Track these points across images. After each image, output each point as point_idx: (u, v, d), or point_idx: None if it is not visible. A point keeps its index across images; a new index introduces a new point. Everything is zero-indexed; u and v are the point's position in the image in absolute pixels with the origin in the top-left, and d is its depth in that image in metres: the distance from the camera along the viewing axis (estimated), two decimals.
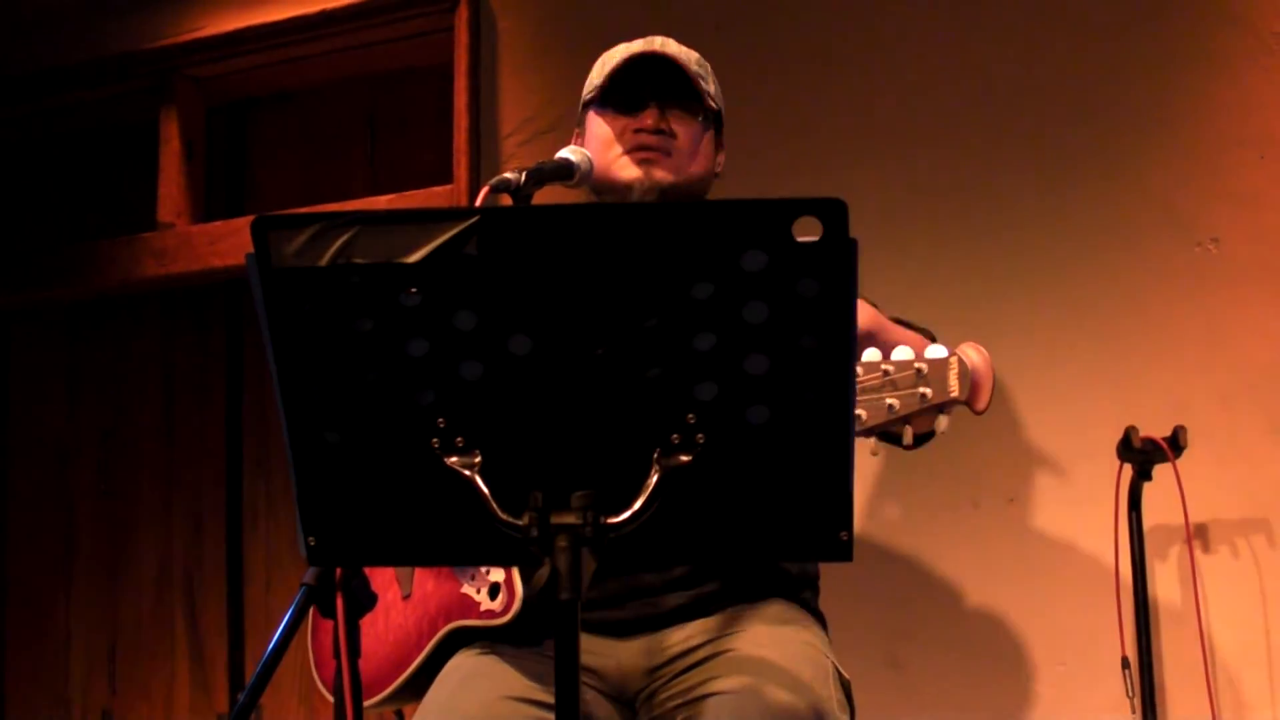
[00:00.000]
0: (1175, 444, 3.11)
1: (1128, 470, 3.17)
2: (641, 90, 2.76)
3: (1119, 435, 3.15)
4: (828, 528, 1.74)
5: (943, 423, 2.22)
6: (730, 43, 3.77)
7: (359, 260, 1.63)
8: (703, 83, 2.78)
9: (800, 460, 1.71)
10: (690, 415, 1.68)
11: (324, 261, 1.63)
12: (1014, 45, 3.58)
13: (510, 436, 1.72)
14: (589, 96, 2.82)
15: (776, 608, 2.67)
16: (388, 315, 1.66)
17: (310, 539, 1.79)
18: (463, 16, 4.23)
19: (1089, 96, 3.50)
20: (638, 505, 1.69)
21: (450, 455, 1.72)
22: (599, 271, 1.63)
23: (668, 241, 1.62)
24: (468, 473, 1.71)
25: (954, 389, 2.18)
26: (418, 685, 2.71)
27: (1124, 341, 3.39)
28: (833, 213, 1.58)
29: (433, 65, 4.43)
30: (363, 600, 2.08)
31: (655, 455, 1.70)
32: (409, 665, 2.72)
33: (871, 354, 2.21)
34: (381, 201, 4.41)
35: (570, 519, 1.68)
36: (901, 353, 2.19)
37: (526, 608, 2.58)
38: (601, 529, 1.69)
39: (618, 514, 1.69)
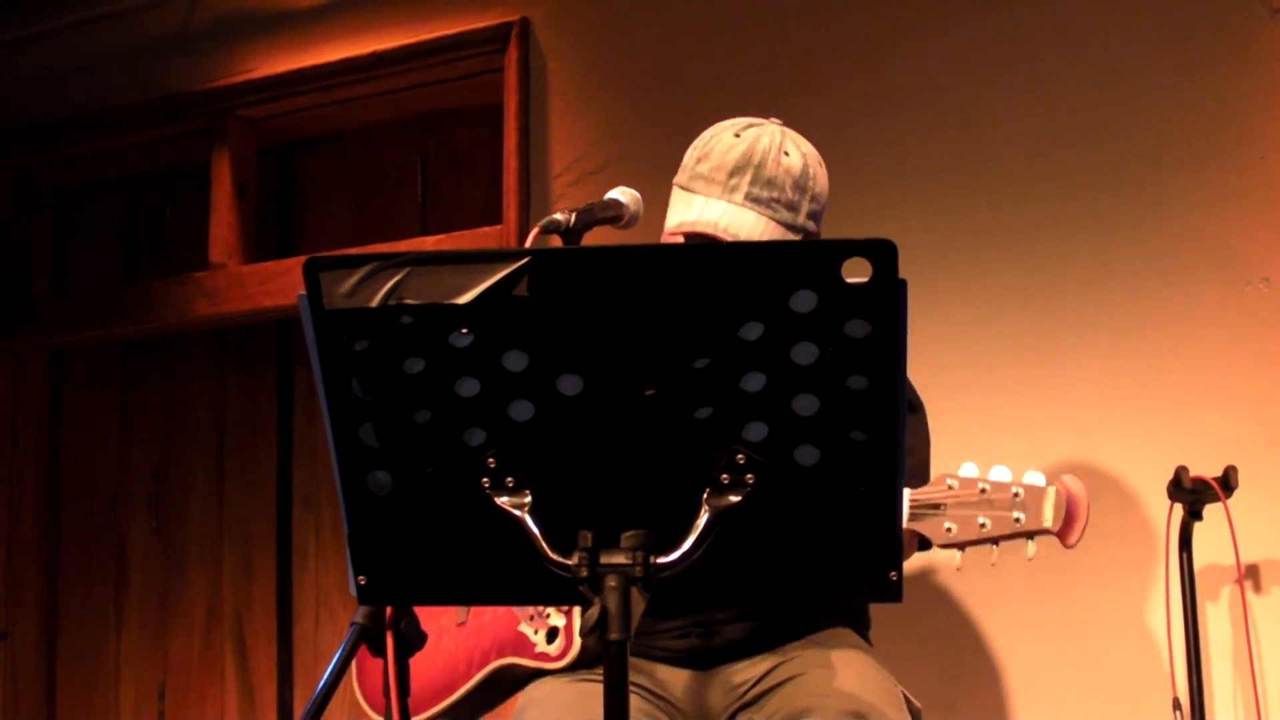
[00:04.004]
0: (1226, 484, 3.09)
1: (1178, 510, 3.15)
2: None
3: (1170, 475, 3.13)
4: (877, 568, 1.74)
5: (1030, 549, 2.23)
6: (778, 83, 3.79)
7: (410, 301, 1.64)
8: (773, 223, 2.62)
9: (849, 501, 1.71)
10: (740, 456, 1.69)
11: (375, 302, 1.64)
12: (1067, 87, 3.58)
13: (560, 476, 1.72)
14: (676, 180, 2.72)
15: (842, 633, 2.68)
16: (438, 355, 1.67)
17: (361, 578, 1.80)
18: (512, 58, 4.25)
19: (1140, 137, 3.49)
20: (687, 545, 1.69)
21: (500, 495, 1.72)
22: (649, 312, 1.64)
23: (717, 282, 1.62)
24: (518, 512, 1.72)
25: (1048, 520, 2.20)
26: (458, 712, 2.77)
27: (1175, 381, 3.37)
28: (882, 254, 1.58)
29: (482, 106, 4.45)
30: (413, 640, 2.08)
31: (705, 495, 1.70)
32: (454, 691, 2.77)
33: (969, 469, 2.24)
34: (430, 242, 4.43)
35: (620, 559, 1.68)
36: (999, 473, 2.22)
37: (583, 655, 2.61)
38: (651, 569, 1.69)
39: (667, 554, 1.69)
